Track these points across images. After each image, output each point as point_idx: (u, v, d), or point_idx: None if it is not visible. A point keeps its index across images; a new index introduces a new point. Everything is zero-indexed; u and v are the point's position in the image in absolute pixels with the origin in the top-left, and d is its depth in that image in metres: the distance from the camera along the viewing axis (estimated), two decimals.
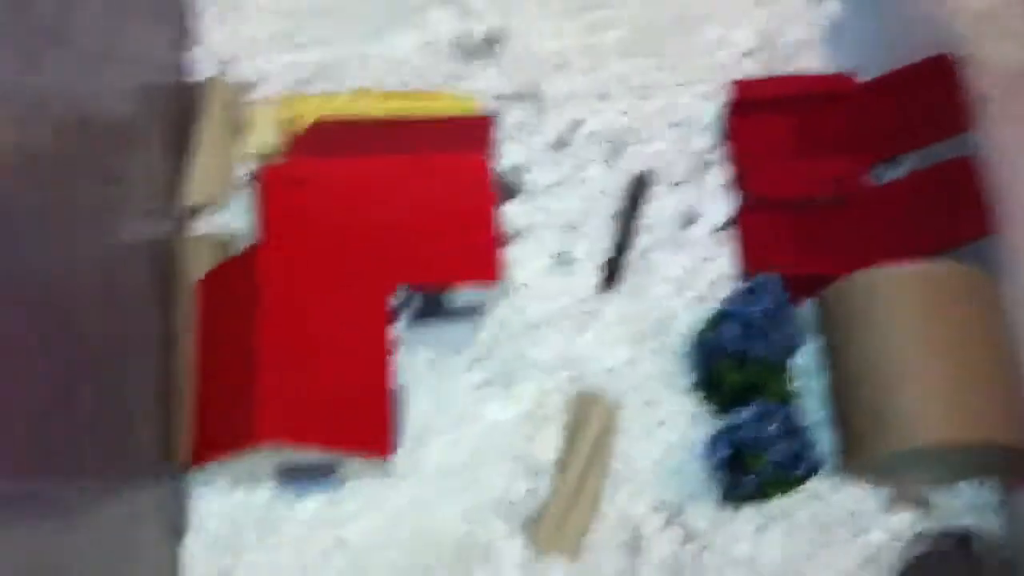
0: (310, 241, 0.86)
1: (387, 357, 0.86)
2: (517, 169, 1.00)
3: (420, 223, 0.87)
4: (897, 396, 0.81)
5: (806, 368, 0.92)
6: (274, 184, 0.87)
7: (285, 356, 0.82)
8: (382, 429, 0.84)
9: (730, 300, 0.88)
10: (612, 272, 0.96)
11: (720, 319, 0.87)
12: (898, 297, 0.83)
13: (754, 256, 0.92)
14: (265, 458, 0.82)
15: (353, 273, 0.86)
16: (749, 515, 0.88)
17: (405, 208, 0.87)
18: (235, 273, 0.87)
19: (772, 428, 0.82)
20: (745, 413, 0.83)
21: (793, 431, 0.83)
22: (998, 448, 0.80)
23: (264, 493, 0.89)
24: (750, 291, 0.86)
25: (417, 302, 0.94)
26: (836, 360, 0.87)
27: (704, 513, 0.88)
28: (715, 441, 0.85)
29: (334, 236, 0.87)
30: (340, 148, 0.90)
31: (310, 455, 0.82)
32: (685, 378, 0.92)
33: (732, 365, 0.85)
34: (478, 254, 0.88)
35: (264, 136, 0.96)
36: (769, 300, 0.85)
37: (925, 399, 0.80)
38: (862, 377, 0.83)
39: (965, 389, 0.80)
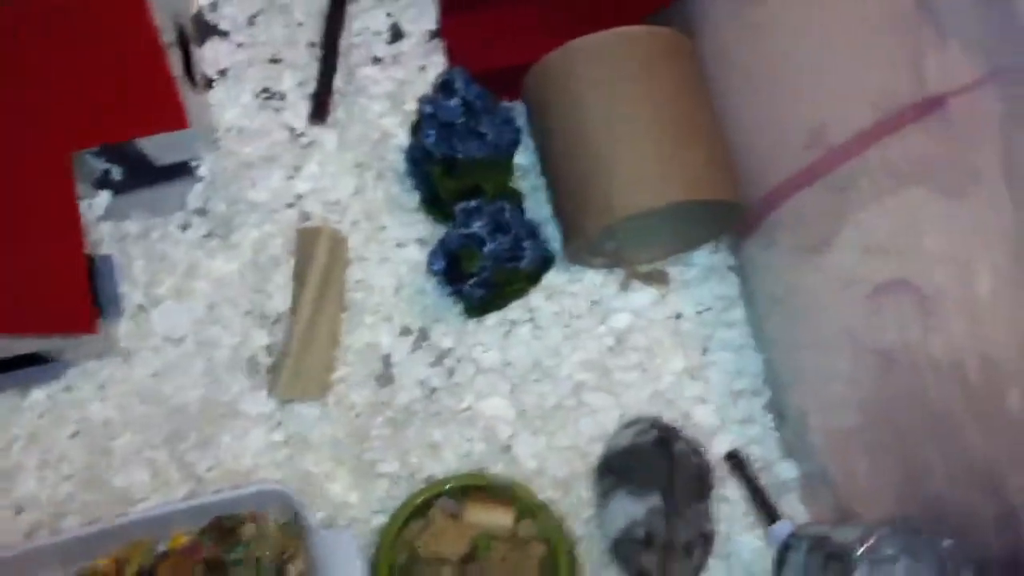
0: None
1: (76, 226, 0.80)
2: (211, 6, 0.93)
3: (87, 73, 0.80)
4: (598, 172, 0.78)
5: (533, 166, 0.89)
6: None
7: None
8: (80, 303, 0.78)
9: (423, 103, 0.84)
10: (322, 100, 0.90)
11: (418, 125, 0.83)
12: (590, 68, 0.79)
13: (459, 58, 0.88)
14: None
15: (23, 137, 0.79)
16: (494, 323, 0.86)
17: (67, 55, 0.79)
18: None
19: (479, 225, 0.79)
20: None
21: (504, 225, 0.80)
22: (705, 205, 0.79)
23: None
24: (440, 90, 0.81)
25: (120, 170, 0.88)
26: (545, 148, 0.84)
27: (450, 329, 0.86)
28: (431, 255, 0.82)
29: None
30: None
31: (14, 343, 0.77)
32: (413, 197, 0.89)
33: (443, 171, 0.82)
34: (158, 101, 0.81)
35: None
36: (460, 96, 0.81)
37: (622, 170, 0.77)
38: (567, 159, 0.80)
39: (664, 153, 0.77)
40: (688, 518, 0.76)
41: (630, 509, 0.76)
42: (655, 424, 0.80)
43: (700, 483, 0.78)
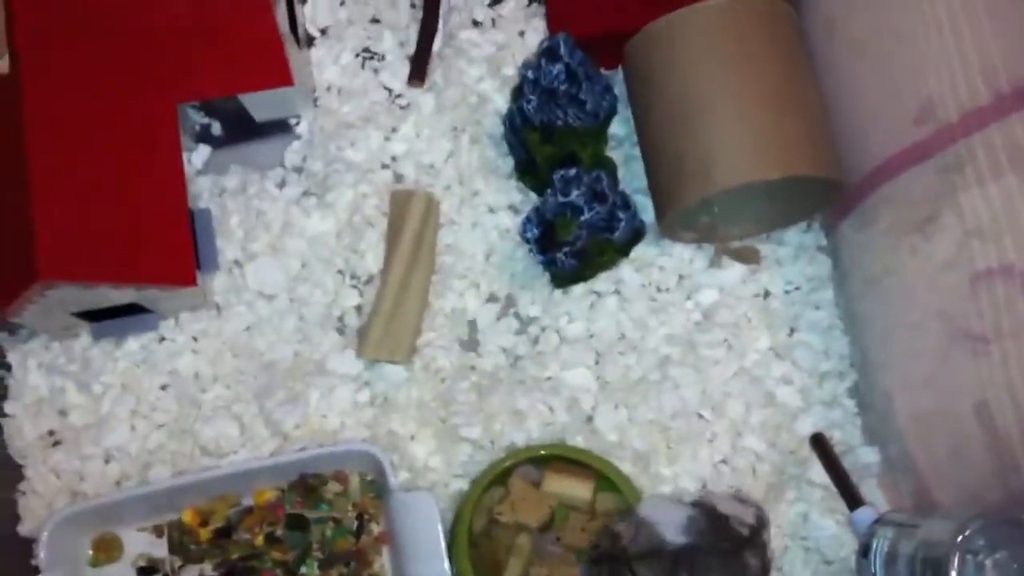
0: (75, 51, 0.78)
1: (180, 178, 0.81)
2: None
3: (196, 26, 0.81)
4: (699, 142, 0.77)
5: (627, 137, 0.88)
6: None
7: (62, 184, 0.75)
8: (182, 256, 0.80)
9: (526, 68, 0.83)
10: (421, 62, 0.90)
11: (519, 90, 0.82)
12: (693, 37, 0.78)
13: (559, 22, 0.87)
14: (63, 301, 0.78)
15: (130, 88, 0.80)
16: (580, 293, 0.86)
17: (177, 8, 0.80)
18: None
19: (577, 193, 0.79)
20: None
21: (602, 194, 0.79)
22: (803, 181, 0.77)
23: (82, 343, 0.85)
24: (544, 56, 0.81)
25: (220, 125, 0.90)
26: (644, 118, 0.83)
27: (537, 298, 0.86)
28: (526, 222, 0.82)
29: (103, 45, 0.79)
30: None
31: (113, 293, 0.78)
32: (507, 163, 0.88)
33: (541, 137, 0.81)
34: (263, 57, 0.82)
35: None
36: (564, 62, 0.80)
37: (724, 141, 0.76)
38: (666, 129, 0.79)
39: (766, 127, 0.76)
40: None
41: None
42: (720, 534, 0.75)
43: None
